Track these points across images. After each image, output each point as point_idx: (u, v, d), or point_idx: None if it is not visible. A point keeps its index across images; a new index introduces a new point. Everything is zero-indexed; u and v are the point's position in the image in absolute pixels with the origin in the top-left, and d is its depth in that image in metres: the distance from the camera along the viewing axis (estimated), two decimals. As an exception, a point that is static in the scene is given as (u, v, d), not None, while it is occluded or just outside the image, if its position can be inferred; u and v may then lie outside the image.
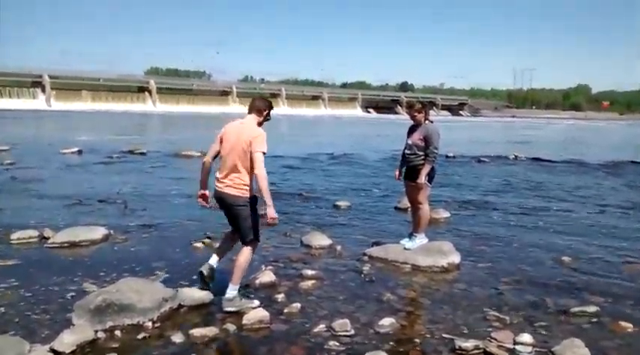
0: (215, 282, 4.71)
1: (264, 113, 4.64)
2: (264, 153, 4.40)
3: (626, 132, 54.13)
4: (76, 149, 17.47)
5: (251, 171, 4.40)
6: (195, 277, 4.91)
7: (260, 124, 4.61)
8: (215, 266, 4.77)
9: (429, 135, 5.80)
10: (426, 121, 5.95)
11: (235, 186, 4.44)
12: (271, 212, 4.34)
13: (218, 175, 4.54)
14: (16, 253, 5.92)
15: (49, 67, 78.36)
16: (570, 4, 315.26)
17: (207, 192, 4.77)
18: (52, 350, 3.55)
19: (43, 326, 4.03)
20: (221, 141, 4.54)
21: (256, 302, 4.52)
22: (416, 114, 5.94)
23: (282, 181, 12.33)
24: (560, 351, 3.71)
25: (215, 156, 4.62)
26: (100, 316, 3.98)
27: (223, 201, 4.55)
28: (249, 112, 4.63)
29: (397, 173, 6.26)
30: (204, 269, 4.70)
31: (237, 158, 4.39)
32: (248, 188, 4.48)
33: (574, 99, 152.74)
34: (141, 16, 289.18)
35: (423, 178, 5.80)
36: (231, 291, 4.46)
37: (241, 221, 4.53)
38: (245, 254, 4.55)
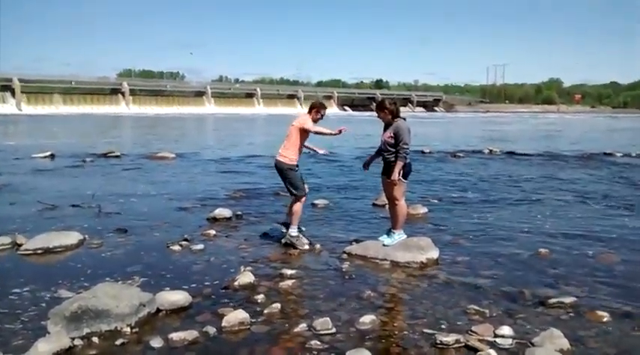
0: None
1: (312, 112, 6.39)
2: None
3: (597, 124, 55.15)
4: (48, 153, 17.14)
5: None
6: (171, 279, 4.84)
7: (315, 120, 6.38)
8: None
9: (398, 131, 5.81)
10: (397, 119, 5.95)
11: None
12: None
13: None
14: (-12, 261, 5.77)
15: (19, 71, 76.96)
16: (540, 1, 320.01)
17: None
18: (27, 360, 3.47)
19: (17, 336, 3.92)
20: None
21: (306, 246, 6.28)
22: (380, 113, 6.00)
23: (259, 181, 12.27)
24: (539, 342, 3.75)
25: None
26: (76, 323, 3.89)
27: None
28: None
29: (364, 164, 6.57)
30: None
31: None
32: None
33: (546, 94, 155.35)
34: (113, 19, 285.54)
35: (395, 175, 5.82)
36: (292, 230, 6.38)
37: None
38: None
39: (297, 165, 6.43)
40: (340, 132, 6.22)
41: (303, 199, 6.52)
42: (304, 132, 6.33)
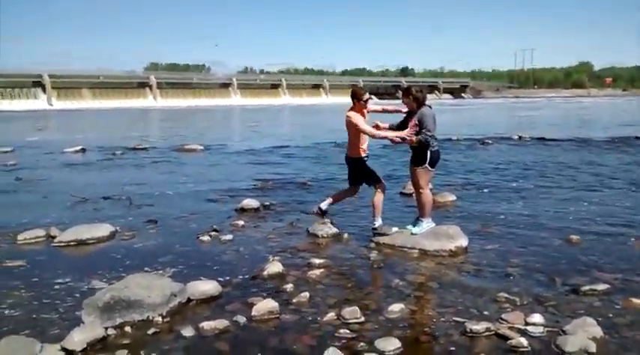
0: None
1: (354, 100, 6.20)
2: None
3: (630, 107, 53.80)
4: (79, 147, 17.45)
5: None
6: (201, 269, 4.89)
7: (353, 109, 6.19)
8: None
9: (423, 118, 5.75)
10: (423, 106, 5.88)
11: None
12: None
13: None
14: (24, 253, 5.92)
15: (48, 67, 78.29)
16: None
17: None
18: (63, 349, 3.55)
19: (53, 325, 4.03)
20: None
21: (394, 229, 6.21)
22: (405, 99, 5.92)
23: (286, 171, 12.32)
24: (572, 330, 3.69)
25: None
26: (109, 313, 3.98)
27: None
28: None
29: (380, 125, 6.20)
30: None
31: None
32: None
33: (576, 77, 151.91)
34: (137, 13, 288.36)
35: (404, 133, 5.82)
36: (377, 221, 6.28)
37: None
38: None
39: (366, 157, 6.37)
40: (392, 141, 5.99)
41: (382, 189, 6.36)
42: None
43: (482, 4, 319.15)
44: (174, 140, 20.65)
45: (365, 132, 6.08)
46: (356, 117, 6.10)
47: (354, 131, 6.18)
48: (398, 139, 5.84)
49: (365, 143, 6.29)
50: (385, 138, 6.06)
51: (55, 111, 63.72)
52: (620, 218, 7.12)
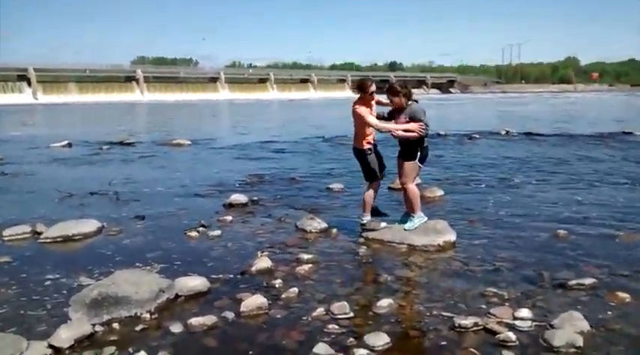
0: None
1: (361, 92, 6.11)
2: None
3: (616, 102, 54.26)
4: (65, 142, 17.31)
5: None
6: (189, 265, 4.87)
7: (359, 101, 6.08)
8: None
9: (414, 114, 5.74)
10: (410, 102, 5.87)
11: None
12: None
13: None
14: (9, 249, 5.86)
15: (34, 60, 77.42)
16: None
17: None
18: (50, 346, 3.53)
19: (40, 322, 3.99)
20: None
21: (383, 224, 6.20)
22: (395, 99, 5.86)
23: (274, 166, 12.30)
24: (559, 324, 3.72)
25: None
26: (97, 309, 3.95)
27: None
28: None
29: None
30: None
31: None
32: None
33: (563, 72, 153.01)
34: (124, 5, 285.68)
35: (398, 129, 5.76)
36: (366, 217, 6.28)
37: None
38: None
39: (369, 149, 6.15)
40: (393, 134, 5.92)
41: (374, 187, 6.31)
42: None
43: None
44: (161, 135, 20.55)
45: (370, 125, 5.99)
46: (362, 109, 5.99)
47: (359, 122, 6.07)
48: (399, 133, 5.80)
49: (370, 135, 6.16)
50: (388, 131, 5.91)
51: (40, 105, 63.11)
52: (608, 212, 7.18)
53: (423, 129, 5.72)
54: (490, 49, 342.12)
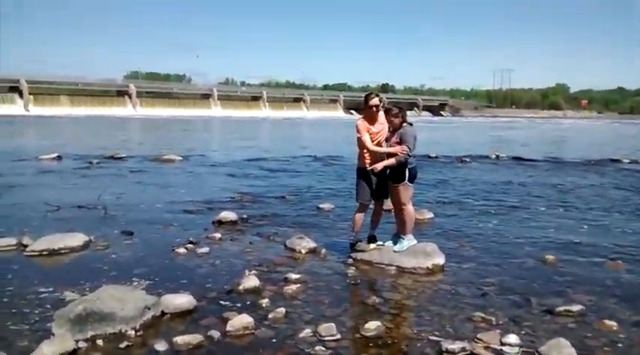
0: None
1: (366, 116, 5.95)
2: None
3: (605, 130, 54.87)
4: (54, 155, 17.19)
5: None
6: (176, 282, 4.82)
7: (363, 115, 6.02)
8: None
9: (403, 137, 5.78)
10: (404, 124, 5.91)
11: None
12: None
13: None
14: (-6, 262, 5.78)
15: (25, 72, 77.32)
16: (547, 5, 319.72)
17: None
18: (32, 362, 3.47)
19: (22, 337, 3.92)
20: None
21: (372, 246, 6.13)
22: (392, 119, 5.88)
23: (265, 184, 12.28)
24: (546, 351, 3.71)
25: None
26: (81, 325, 3.89)
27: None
28: None
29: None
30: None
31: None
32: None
33: (553, 99, 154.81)
34: (119, 21, 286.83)
35: (378, 167, 5.79)
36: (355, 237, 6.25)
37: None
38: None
39: (363, 169, 5.97)
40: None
41: (363, 209, 6.20)
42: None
43: (463, 24, 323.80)
44: (152, 150, 20.47)
45: (364, 144, 5.84)
46: (360, 127, 5.86)
47: (358, 141, 5.93)
48: (378, 167, 5.80)
49: (364, 157, 5.96)
50: (381, 154, 5.82)
51: (31, 117, 62.88)
52: (597, 239, 7.21)
53: (404, 152, 5.75)
54: (481, 73, 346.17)
